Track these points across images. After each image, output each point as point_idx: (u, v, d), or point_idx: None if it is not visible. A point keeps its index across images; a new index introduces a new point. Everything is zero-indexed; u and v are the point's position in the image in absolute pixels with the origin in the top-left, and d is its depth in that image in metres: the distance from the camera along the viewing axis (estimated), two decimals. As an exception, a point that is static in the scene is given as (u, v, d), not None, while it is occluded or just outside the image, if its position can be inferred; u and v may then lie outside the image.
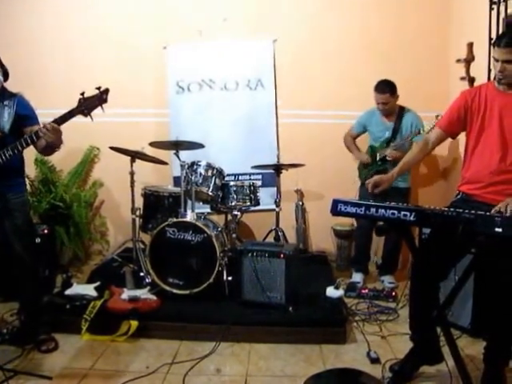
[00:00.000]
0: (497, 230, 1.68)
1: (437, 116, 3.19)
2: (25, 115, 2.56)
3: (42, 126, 2.39)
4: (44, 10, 4.40)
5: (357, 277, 3.92)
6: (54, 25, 4.41)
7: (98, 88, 2.42)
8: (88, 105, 2.39)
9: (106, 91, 2.43)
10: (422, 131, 3.45)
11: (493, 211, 1.93)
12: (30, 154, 2.63)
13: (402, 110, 3.77)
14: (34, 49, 4.42)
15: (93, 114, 2.42)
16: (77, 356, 2.72)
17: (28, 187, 3.10)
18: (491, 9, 3.40)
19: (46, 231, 3.57)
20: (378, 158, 3.78)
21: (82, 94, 2.41)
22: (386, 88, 3.65)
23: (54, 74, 4.43)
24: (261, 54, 4.43)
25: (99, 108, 2.43)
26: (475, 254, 2.25)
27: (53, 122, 2.37)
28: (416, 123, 3.71)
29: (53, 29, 4.42)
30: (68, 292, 3.24)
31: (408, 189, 3.82)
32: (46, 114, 2.64)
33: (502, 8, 3.28)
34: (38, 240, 3.37)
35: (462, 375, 2.04)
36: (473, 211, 1.81)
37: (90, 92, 2.42)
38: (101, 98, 2.42)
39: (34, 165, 4.16)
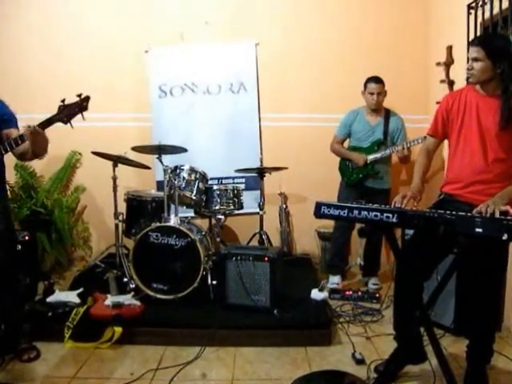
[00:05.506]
0: (477, 230, 1.71)
1: (424, 137, 3.21)
2: (3, 118, 2.51)
3: (26, 126, 2.34)
4: (24, 14, 4.35)
5: (334, 279, 3.94)
6: (34, 28, 4.36)
7: (79, 95, 2.39)
8: (68, 112, 2.36)
9: (87, 99, 2.40)
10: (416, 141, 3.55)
11: (474, 212, 1.97)
12: (10, 159, 2.58)
13: (387, 112, 3.81)
14: (12, 52, 4.36)
15: (74, 118, 2.39)
16: (59, 364, 2.67)
17: (8, 193, 3.05)
18: (469, 13, 3.47)
19: (27, 238, 3.50)
20: (369, 161, 3.75)
21: (63, 100, 2.37)
22: (379, 79, 3.71)
23: (33, 77, 4.37)
24: (243, 58, 4.44)
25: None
26: (457, 254, 2.29)
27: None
28: (400, 129, 3.77)
29: (33, 32, 4.37)
30: (50, 299, 3.19)
31: (388, 190, 3.86)
32: (25, 119, 2.60)
33: (480, 13, 3.35)
34: (19, 247, 3.32)
35: (445, 374, 2.07)
36: (454, 212, 1.84)
37: (71, 97, 2.38)
38: (81, 105, 2.38)
39: (14, 170, 4.10)
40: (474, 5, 3.41)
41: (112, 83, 4.38)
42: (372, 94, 3.71)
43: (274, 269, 3.08)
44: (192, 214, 4.13)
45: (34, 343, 2.77)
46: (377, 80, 3.71)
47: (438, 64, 3.85)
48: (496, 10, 3.16)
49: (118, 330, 2.84)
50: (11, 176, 4.01)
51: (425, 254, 2.24)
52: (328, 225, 4.20)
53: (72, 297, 3.19)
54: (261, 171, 4.10)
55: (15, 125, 2.56)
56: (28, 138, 2.31)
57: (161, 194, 3.73)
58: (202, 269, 3.20)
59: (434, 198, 2.45)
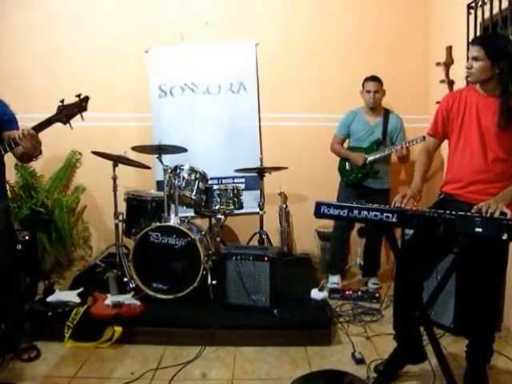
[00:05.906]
0: (477, 230, 1.72)
1: (423, 137, 3.21)
2: (3, 119, 2.51)
3: (20, 130, 2.34)
4: (24, 14, 4.34)
5: (334, 279, 3.94)
6: (34, 28, 4.36)
7: (78, 95, 2.38)
8: (67, 113, 2.35)
9: (86, 99, 2.39)
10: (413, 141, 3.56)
11: (473, 210, 1.97)
12: (10, 158, 2.58)
13: (386, 112, 3.82)
14: (12, 52, 4.36)
15: (74, 118, 2.39)
16: (60, 364, 2.68)
17: (8, 193, 3.05)
18: (469, 13, 3.47)
19: (27, 237, 3.50)
20: (368, 161, 3.75)
21: (62, 101, 2.36)
22: (376, 77, 3.74)
23: (33, 77, 4.37)
24: (243, 58, 4.44)
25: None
26: (457, 253, 2.29)
27: (31, 128, 2.33)
28: (399, 128, 3.78)
29: (33, 32, 4.36)
30: (50, 299, 3.18)
31: (388, 190, 3.86)
32: (25, 119, 2.61)
33: (479, 13, 3.35)
34: (19, 247, 3.31)
35: (445, 373, 2.07)
36: (453, 212, 1.84)
37: (71, 97, 2.38)
38: (80, 105, 2.38)
39: (14, 170, 4.09)
40: (473, 5, 3.41)
41: (112, 83, 4.38)
42: (369, 91, 3.73)
43: (273, 269, 3.08)
44: (192, 214, 4.13)
45: (34, 343, 2.78)
46: (373, 78, 3.74)
47: (438, 64, 3.85)
48: (496, 10, 3.16)
49: (118, 329, 2.84)
50: (11, 176, 4.01)
51: (424, 253, 2.24)
52: (328, 225, 4.20)
53: (72, 296, 3.19)
54: (261, 171, 4.10)
55: (16, 125, 2.56)
56: (22, 140, 2.30)
57: (161, 193, 3.73)
58: (201, 268, 3.20)
59: (434, 198, 2.45)
